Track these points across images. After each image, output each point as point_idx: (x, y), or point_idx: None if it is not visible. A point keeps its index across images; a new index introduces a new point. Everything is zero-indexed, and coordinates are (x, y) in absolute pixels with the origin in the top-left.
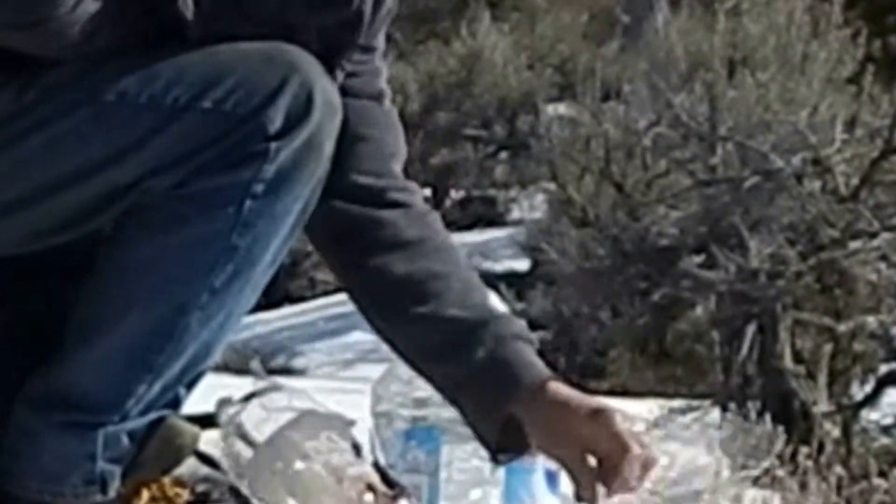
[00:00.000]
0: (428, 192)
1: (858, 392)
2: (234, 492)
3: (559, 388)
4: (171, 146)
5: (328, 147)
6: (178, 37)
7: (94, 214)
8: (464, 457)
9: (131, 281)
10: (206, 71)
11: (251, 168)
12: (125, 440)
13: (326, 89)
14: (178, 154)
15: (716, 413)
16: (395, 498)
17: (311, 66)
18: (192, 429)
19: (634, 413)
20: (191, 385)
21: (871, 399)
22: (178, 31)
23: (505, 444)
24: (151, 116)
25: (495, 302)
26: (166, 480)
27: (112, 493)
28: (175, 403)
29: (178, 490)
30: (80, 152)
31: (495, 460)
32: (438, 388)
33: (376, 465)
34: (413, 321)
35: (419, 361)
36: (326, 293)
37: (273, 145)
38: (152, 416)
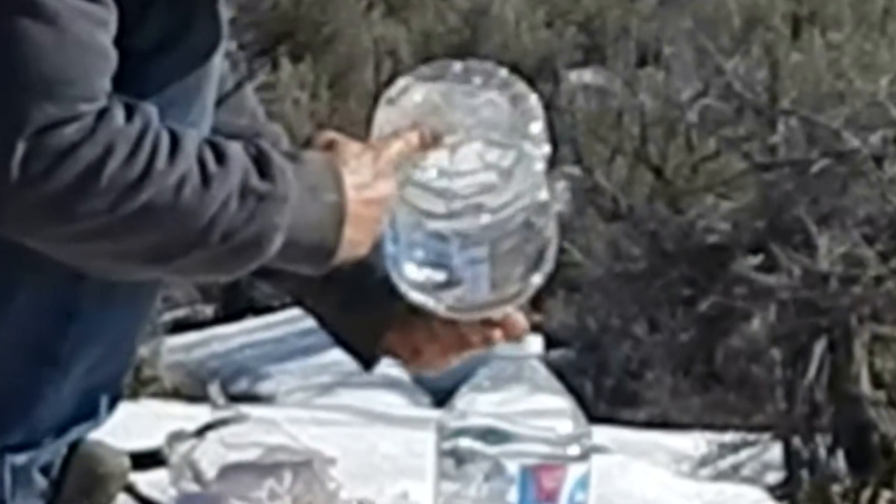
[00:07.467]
0: None
1: None
2: None
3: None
4: None
5: None
6: None
7: None
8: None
9: None
10: None
11: None
12: (38, 475)
13: None
14: None
15: (776, 449)
16: None
17: None
18: (117, 456)
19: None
20: (114, 398)
21: None
22: None
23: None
24: None
25: None
26: None
27: None
28: (93, 415)
29: None
30: None
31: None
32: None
33: None
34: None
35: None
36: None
37: None
38: (70, 435)
